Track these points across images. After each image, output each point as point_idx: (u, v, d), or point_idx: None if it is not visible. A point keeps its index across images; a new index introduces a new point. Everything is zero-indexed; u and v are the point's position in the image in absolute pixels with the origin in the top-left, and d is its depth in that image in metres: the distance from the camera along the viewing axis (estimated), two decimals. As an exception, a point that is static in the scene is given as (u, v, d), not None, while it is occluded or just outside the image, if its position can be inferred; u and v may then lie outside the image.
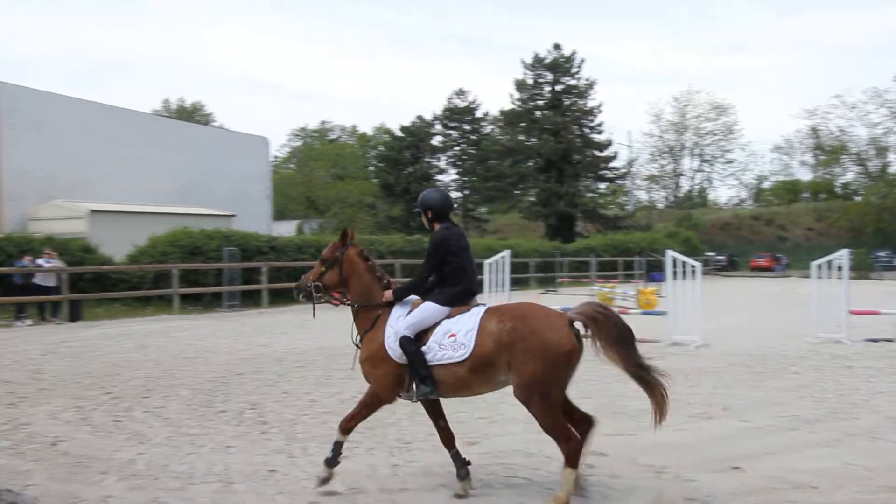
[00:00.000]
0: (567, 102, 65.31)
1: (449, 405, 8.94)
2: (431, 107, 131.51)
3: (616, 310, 6.31)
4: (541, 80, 66.03)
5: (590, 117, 65.23)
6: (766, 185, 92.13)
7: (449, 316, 5.96)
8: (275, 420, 8.67)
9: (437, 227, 6.26)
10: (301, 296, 6.56)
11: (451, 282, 6.14)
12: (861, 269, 47.34)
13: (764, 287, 41.46)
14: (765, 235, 75.36)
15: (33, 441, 7.75)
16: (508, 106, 68.18)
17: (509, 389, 5.81)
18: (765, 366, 12.47)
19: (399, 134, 69.68)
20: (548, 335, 5.59)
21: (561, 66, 65.52)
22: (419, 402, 6.01)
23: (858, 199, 71.37)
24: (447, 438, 6.19)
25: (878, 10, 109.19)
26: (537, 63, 65.92)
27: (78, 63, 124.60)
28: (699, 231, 68.57)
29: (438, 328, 5.91)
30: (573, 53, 65.88)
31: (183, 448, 7.46)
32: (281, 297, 27.91)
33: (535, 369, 5.53)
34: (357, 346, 6.20)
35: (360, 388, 10.43)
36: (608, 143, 65.24)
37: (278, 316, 23.26)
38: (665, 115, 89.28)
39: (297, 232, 54.87)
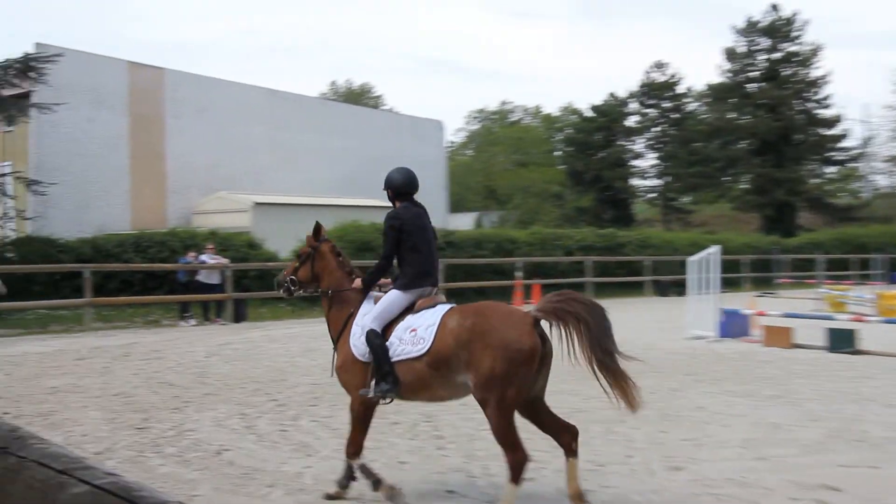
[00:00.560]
0: (787, 73, 62.46)
1: (647, 424, 8.71)
2: (626, 83, 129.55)
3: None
4: (755, 48, 63.51)
5: (814, 89, 62.12)
6: None
7: (413, 311, 6.39)
8: (452, 435, 8.74)
9: (397, 205, 6.79)
10: (281, 291, 7.30)
11: (408, 262, 6.60)
12: None
13: None
14: None
15: (198, 449, 8.19)
16: (716, 79, 66.12)
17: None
18: None
19: (589, 114, 69.09)
20: (507, 332, 5.85)
21: (779, 29, 62.71)
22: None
23: None
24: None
25: None
26: (751, 28, 63.44)
27: (241, 47, 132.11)
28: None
29: (401, 323, 6.35)
30: (794, 14, 62.98)
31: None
32: (457, 299, 28.30)
33: (492, 367, 5.80)
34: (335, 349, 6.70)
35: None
36: (837, 120, 61.91)
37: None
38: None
39: (476, 225, 55.62)
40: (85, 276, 20.71)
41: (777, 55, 62.98)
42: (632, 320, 22.32)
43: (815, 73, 62.38)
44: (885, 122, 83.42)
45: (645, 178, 69.54)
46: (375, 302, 6.63)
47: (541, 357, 5.95)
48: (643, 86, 69.28)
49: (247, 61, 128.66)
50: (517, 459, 5.84)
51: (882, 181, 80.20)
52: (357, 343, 6.47)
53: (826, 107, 62.34)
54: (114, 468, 1.78)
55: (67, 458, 1.75)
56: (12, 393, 11.48)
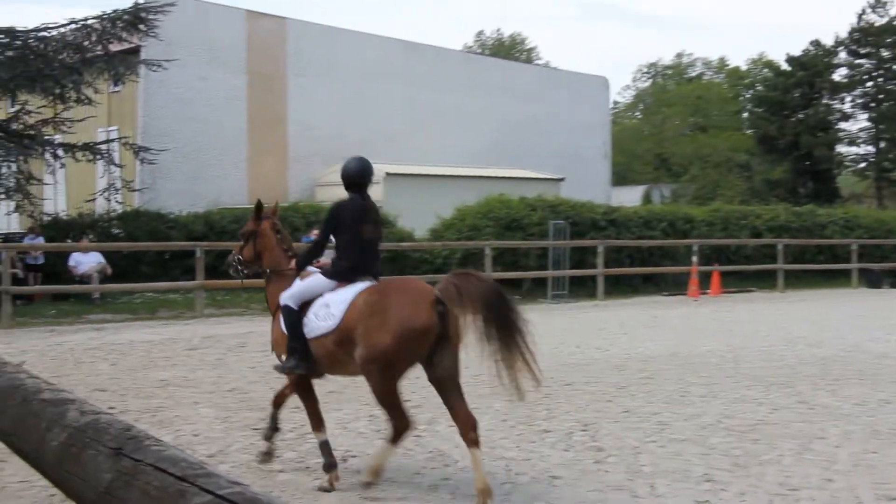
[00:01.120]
0: None
1: (852, 442, 8.46)
2: (833, 28, 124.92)
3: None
4: None
5: None
6: None
7: (334, 289, 7.45)
8: (613, 446, 8.73)
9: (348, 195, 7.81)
10: (230, 271, 8.67)
11: (342, 255, 7.67)
12: None
13: None
14: None
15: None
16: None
17: None
18: None
19: (785, 67, 66.98)
20: (402, 309, 6.96)
21: None
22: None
23: None
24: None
25: None
26: None
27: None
28: None
29: (319, 300, 7.43)
30: None
31: (497, 475, 7.74)
32: (622, 286, 28.09)
33: (380, 341, 6.93)
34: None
35: (730, 404, 10.18)
36: None
37: (618, 310, 23.42)
38: None
39: (644, 200, 54.90)
40: (197, 255, 21.53)
41: None
42: (833, 316, 21.66)
43: None
44: None
45: (854, 145, 66.98)
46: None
47: (440, 336, 7.01)
48: (855, 31, 66.50)
49: (379, 10, 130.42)
50: (399, 426, 7.10)
51: None
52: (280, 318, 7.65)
53: None
54: (227, 472, 1.89)
55: (187, 463, 1.85)
56: (118, 385, 12.10)
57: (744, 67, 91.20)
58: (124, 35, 24.29)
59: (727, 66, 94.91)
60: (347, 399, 11.11)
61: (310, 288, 7.60)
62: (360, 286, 7.37)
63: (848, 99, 66.58)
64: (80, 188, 31.55)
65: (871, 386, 12.16)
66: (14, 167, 23.92)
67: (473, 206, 28.88)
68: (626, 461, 8.19)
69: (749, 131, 71.41)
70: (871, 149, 65.91)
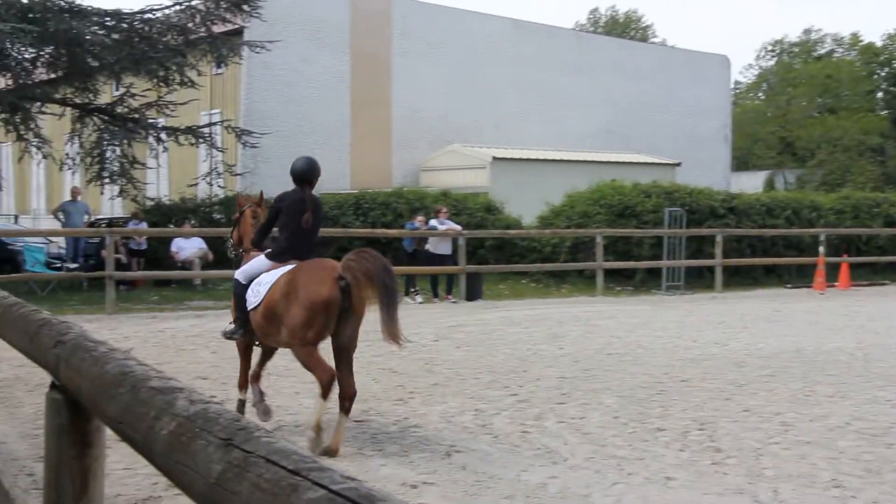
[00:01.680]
0: None
1: None
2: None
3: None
4: None
5: None
6: None
7: (269, 269, 8.90)
8: (732, 447, 8.62)
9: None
10: (230, 252, 10.34)
11: (278, 239, 9.31)
12: None
13: None
14: None
15: (425, 448, 8.53)
16: None
17: None
18: None
19: (922, 43, 64.92)
20: (310, 286, 8.43)
21: None
22: None
23: None
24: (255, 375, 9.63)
25: None
26: None
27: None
28: None
29: (260, 277, 8.91)
30: None
31: (607, 475, 7.72)
32: (742, 278, 27.66)
33: (295, 315, 8.42)
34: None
35: (849, 406, 9.96)
36: None
37: (737, 303, 23.08)
38: None
39: (766, 187, 53.92)
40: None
41: None
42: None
43: None
44: None
45: None
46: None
47: (342, 309, 8.46)
48: None
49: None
50: (323, 378, 8.42)
51: None
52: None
53: None
54: (332, 465, 1.92)
55: (298, 456, 1.88)
56: (220, 374, 12.37)
57: (879, 43, 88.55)
58: (227, 16, 24.72)
59: (860, 42, 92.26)
60: (453, 393, 11.18)
61: (253, 267, 9.15)
62: (287, 268, 8.75)
63: None
64: (182, 172, 32.31)
65: None
66: (118, 151, 24.53)
67: (584, 193, 28.73)
68: (746, 463, 8.08)
69: (884, 112, 69.46)
70: None
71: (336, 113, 36.43)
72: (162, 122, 25.97)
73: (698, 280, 27.22)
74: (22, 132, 23.65)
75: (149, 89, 24.49)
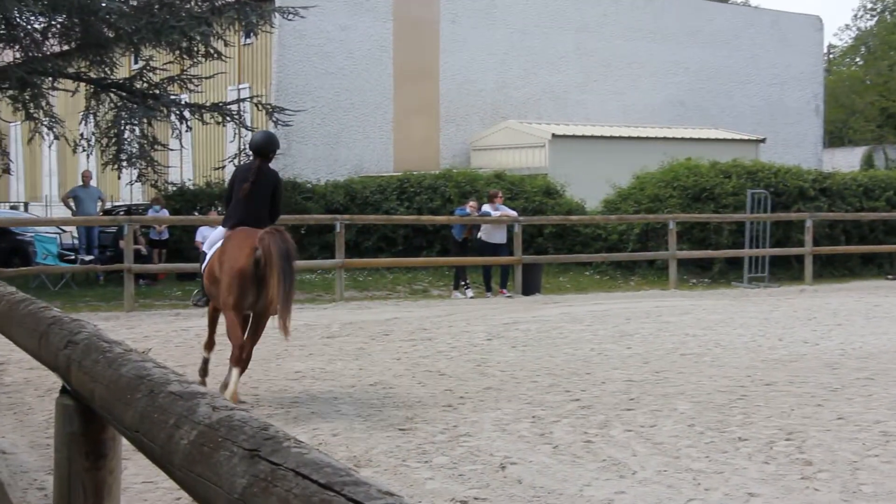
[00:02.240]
0: None
1: None
2: None
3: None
4: None
5: None
6: None
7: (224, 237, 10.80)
8: (824, 459, 8.54)
9: None
10: None
11: (228, 207, 11.37)
12: None
13: None
14: None
15: (476, 460, 8.53)
16: None
17: None
18: None
19: None
20: (232, 254, 10.30)
21: None
22: None
23: None
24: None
25: None
26: None
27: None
28: None
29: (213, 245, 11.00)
30: None
31: (682, 489, 7.67)
32: (835, 268, 27.40)
33: (222, 280, 10.38)
34: None
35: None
36: None
37: (830, 296, 22.88)
38: None
39: (864, 165, 53.22)
40: (337, 230, 21.88)
41: None
42: None
43: None
44: None
45: None
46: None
47: (257, 278, 10.14)
48: None
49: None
50: (234, 347, 10.33)
51: None
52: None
53: None
54: (375, 479, 1.92)
55: (332, 469, 1.88)
56: (249, 377, 12.41)
57: None
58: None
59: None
60: (507, 398, 11.17)
61: (214, 236, 11.28)
62: (227, 235, 10.75)
63: None
64: (207, 154, 32.59)
65: None
66: (137, 130, 24.70)
67: (655, 173, 28.57)
68: (840, 478, 7.99)
69: None
70: None
71: (378, 86, 36.42)
72: (185, 98, 26.18)
73: (785, 271, 27.00)
74: (32, 111, 23.94)
75: (170, 62, 24.66)
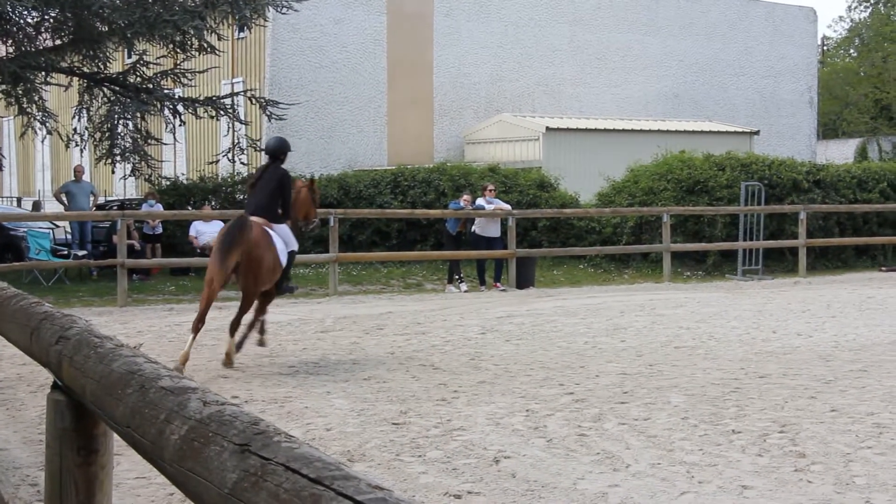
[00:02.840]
0: None
1: None
2: None
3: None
4: None
5: None
6: None
7: None
8: (818, 452, 8.55)
9: None
10: None
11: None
12: None
13: None
14: None
15: (470, 454, 8.53)
16: None
17: None
18: None
19: None
20: (216, 238, 12.51)
21: None
22: None
23: None
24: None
25: None
26: None
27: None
28: None
29: None
30: None
31: (676, 482, 7.68)
32: (829, 260, 27.43)
33: None
34: None
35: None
36: None
37: (824, 289, 22.91)
38: None
39: (858, 157, 53.25)
40: (330, 224, 21.86)
41: None
42: None
43: None
44: None
45: None
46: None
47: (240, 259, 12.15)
48: None
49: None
50: (194, 320, 12.52)
51: None
52: None
53: None
54: (365, 474, 1.92)
55: (322, 463, 1.88)
56: (242, 372, 12.46)
57: None
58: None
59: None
60: (501, 392, 11.17)
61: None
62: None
63: None
64: (201, 148, 32.57)
65: None
66: (130, 125, 24.66)
67: (649, 166, 28.59)
68: (834, 470, 8.00)
69: None
70: None
71: (372, 80, 36.43)
72: (179, 92, 26.14)
73: (779, 263, 27.03)
74: (25, 105, 23.88)
75: (164, 56, 24.63)
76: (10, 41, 23.95)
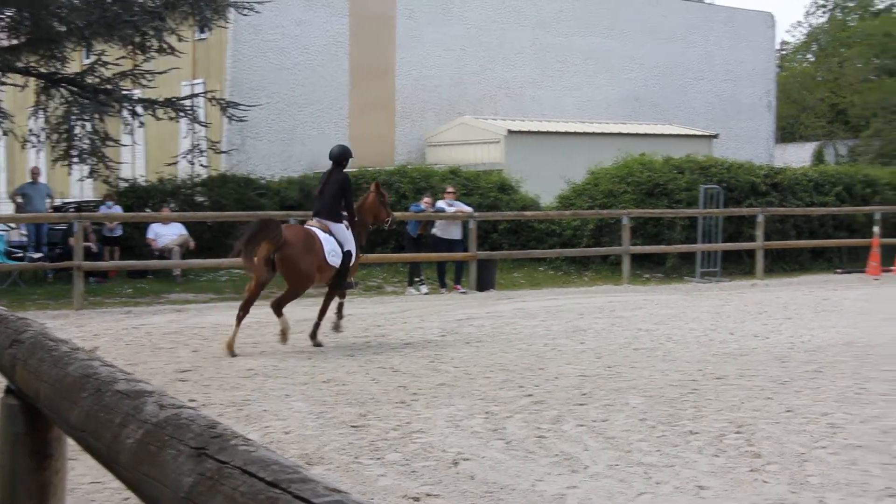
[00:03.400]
0: None
1: None
2: None
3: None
4: None
5: None
6: None
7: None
8: (773, 452, 8.63)
9: None
10: None
11: None
12: None
13: None
14: None
15: (429, 456, 8.54)
16: None
17: None
18: None
19: None
20: None
21: None
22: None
23: None
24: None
25: None
26: None
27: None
28: None
29: None
30: None
31: (633, 483, 7.73)
32: (786, 262, 27.63)
33: None
34: None
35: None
36: None
37: (781, 291, 23.08)
38: None
39: (815, 160, 53.67)
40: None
41: None
42: None
43: None
44: None
45: None
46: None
47: (274, 260, 14.07)
48: None
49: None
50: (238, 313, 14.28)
51: None
52: None
53: None
54: (323, 477, 1.93)
55: (279, 466, 1.89)
56: (200, 374, 12.40)
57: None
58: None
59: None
60: (461, 394, 11.19)
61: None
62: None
63: None
64: (160, 150, 32.32)
65: None
66: (88, 126, 24.45)
67: (609, 169, 28.70)
68: (788, 470, 8.08)
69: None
70: None
71: (333, 82, 36.30)
72: (138, 93, 25.96)
73: (737, 266, 27.21)
74: (-21, 106, 23.66)
75: (123, 57, 24.44)
76: (-36, 41, 23.76)
